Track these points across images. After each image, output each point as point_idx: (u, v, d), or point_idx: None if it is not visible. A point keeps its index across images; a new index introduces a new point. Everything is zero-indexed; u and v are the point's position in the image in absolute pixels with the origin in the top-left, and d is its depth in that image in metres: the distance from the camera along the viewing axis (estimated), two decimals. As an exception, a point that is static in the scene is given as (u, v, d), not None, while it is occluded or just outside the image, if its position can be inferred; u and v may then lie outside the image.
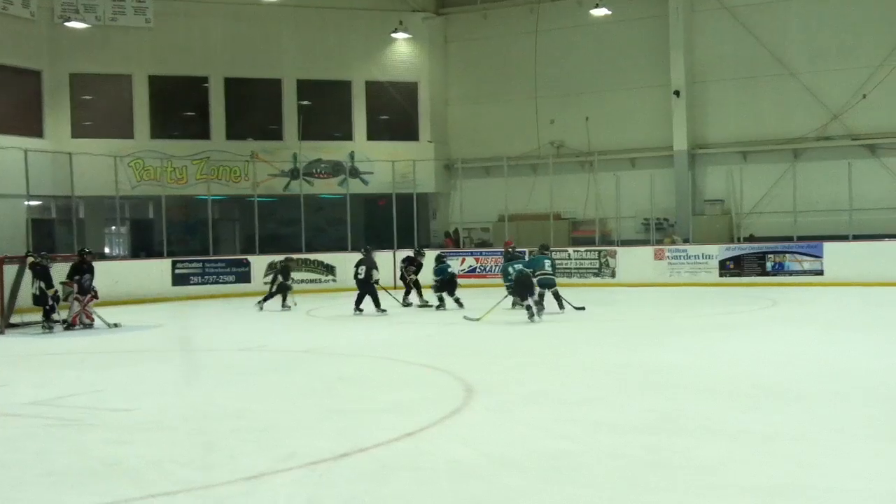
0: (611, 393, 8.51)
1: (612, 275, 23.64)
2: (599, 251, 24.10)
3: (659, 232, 25.15)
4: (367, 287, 16.91)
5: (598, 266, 23.88)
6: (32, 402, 8.35)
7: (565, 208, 26.81)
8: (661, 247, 23.67)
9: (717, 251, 22.74)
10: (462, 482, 5.49)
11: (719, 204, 25.46)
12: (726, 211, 25.32)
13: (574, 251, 24.42)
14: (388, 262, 21.69)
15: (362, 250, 17.90)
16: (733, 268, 22.48)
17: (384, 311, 16.70)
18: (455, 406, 7.75)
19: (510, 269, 15.55)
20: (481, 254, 25.62)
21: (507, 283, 15.97)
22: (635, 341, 12.50)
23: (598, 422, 7.14)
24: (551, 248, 19.07)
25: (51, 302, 15.29)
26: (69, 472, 5.89)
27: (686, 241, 24.03)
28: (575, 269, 24.03)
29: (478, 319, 14.82)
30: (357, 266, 17.20)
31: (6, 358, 12.29)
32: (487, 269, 24.89)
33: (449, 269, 17.97)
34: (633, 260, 23.59)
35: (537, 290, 15.01)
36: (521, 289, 15.02)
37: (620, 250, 23.93)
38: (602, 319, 15.81)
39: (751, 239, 24.03)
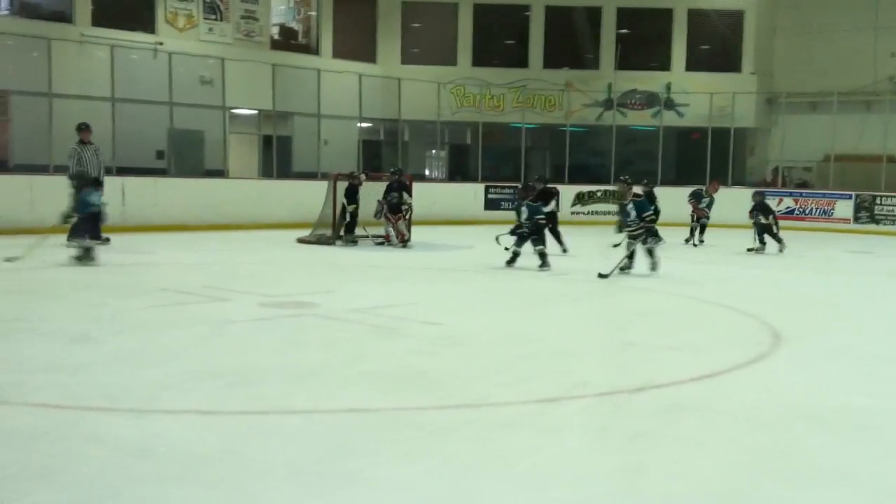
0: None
1: (954, 228, 21.31)
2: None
3: None
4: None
5: (936, 218, 21.62)
6: (353, 310, 9.13)
7: (901, 151, 24.43)
8: None
9: None
10: (755, 430, 5.31)
11: None
12: None
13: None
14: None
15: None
16: None
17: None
18: (757, 351, 7.48)
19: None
20: (801, 195, 24.14)
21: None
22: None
23: (913, 383, 6.61)
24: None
25: (348, 218, 16.42)
26: (379, 376, 6.41)
27: None
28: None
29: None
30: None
31: (334, 267, 13.50)
32: (807, 211, 23.45)
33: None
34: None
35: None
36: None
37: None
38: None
39: None
